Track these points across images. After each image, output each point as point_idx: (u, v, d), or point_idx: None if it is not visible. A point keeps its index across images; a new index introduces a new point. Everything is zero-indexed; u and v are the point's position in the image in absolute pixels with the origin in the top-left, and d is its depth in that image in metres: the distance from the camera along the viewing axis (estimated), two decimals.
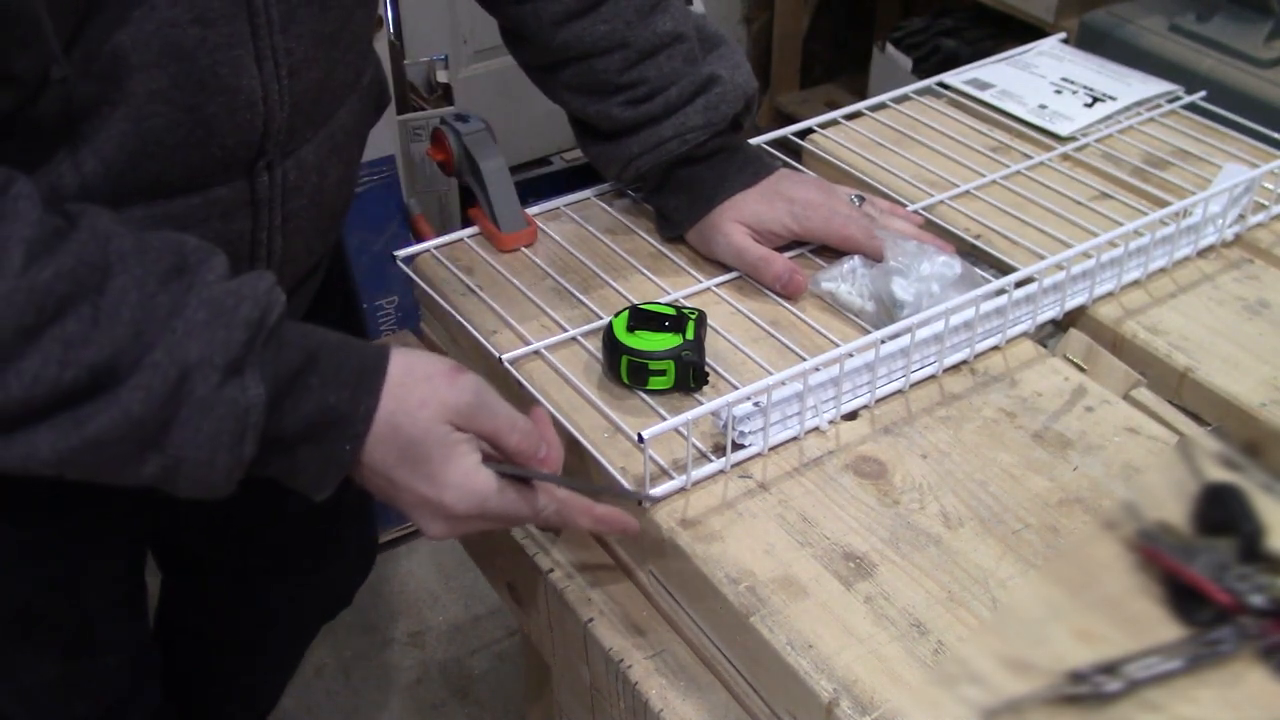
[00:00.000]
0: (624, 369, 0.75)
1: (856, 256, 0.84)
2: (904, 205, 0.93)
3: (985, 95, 1.08)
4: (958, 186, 0.96)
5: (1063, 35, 1.18)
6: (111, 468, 0.59)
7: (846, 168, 1.00)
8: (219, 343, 0.58)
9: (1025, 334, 0.81)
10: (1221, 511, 0.67)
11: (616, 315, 0.77)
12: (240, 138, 0.66)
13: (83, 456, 0.57)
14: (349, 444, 0.62)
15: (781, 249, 0.88)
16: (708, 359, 0.77)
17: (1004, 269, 0.86)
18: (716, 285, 0.86)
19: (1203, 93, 1.06)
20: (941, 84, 1.11)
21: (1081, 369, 0.79)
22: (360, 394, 0.62)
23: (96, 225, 0.57)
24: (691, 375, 0.75)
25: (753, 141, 0.98)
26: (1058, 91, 1.07)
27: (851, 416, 0.75)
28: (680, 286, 0.86)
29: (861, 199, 0.90)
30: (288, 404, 0.61)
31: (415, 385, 0.63)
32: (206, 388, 0.57)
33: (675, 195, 0.89)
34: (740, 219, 0.87)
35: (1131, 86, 1.07)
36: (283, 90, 0.67)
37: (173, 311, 0.57)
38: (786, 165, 0.95)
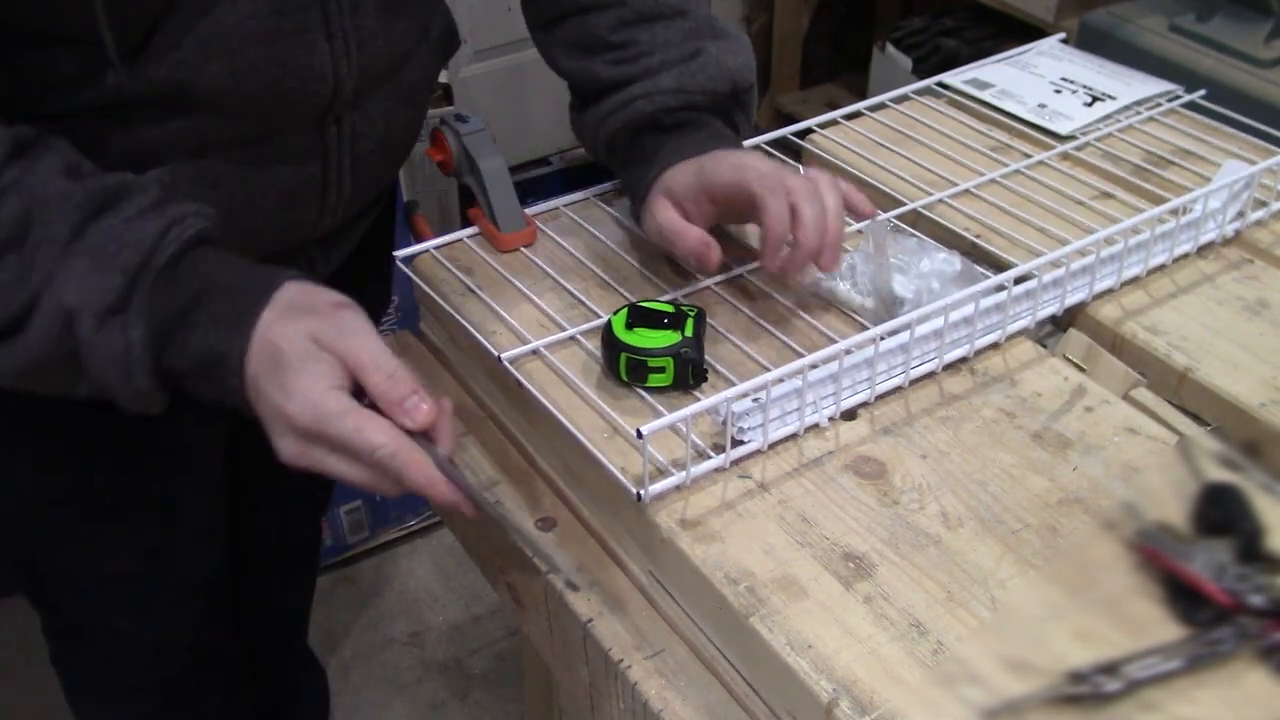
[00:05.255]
0: (623, 366, 0.75)
1: (856, 253, 0.84)
2: (903, 204, 0.93)
3: (985, 95, 1.08)
4: (957, 186, 0.96)
5: (1062, 35, 1.18)
6: (57, 387, 0.67)
7: (846, 167, 0.99)
8: (94, 289, 0.63)
9: (1025, 332, 0.81)
10: (1221, 511, 0.67)
11: (615, 313, 0.77)
12: (309, 103, 0.74)
13: (22, 379, 0.66)
14: (234, 378, 0.65)
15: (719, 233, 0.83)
16: (707, 356, 0.76)
17: (1004, 268, 0.85)
18: (716, 284, 0.86)
19: (1202, 91, 1.06)
20: (941, 84, 1.11)
21: (1081, 369, 0.79)
22: (234, 335, 0.65)
23: (31, 181, 0.63)
24: (690, 372, 0.74)
25: (752, 141, 0.98)
26: (1057, 91, 1.07)
27: (851, 416, 0.75)
28: (679, 284, 0.86)
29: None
30: (176, 340, 0.65)
31: (298, 310, 0.65)
32: (85, 331, 0.63)
33: (634, 168, 0.86)
34: (666, 190, 0.82)
35: (1131, 86, 1.07)
36: (351, 63, 0.75)
37: (66, 260, 0.63)
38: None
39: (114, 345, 0.63)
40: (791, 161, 0.97)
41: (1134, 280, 0.85)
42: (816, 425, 0.73)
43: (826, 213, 0.76)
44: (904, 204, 0.93)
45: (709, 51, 0.84)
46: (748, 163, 0.79)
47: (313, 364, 0.63)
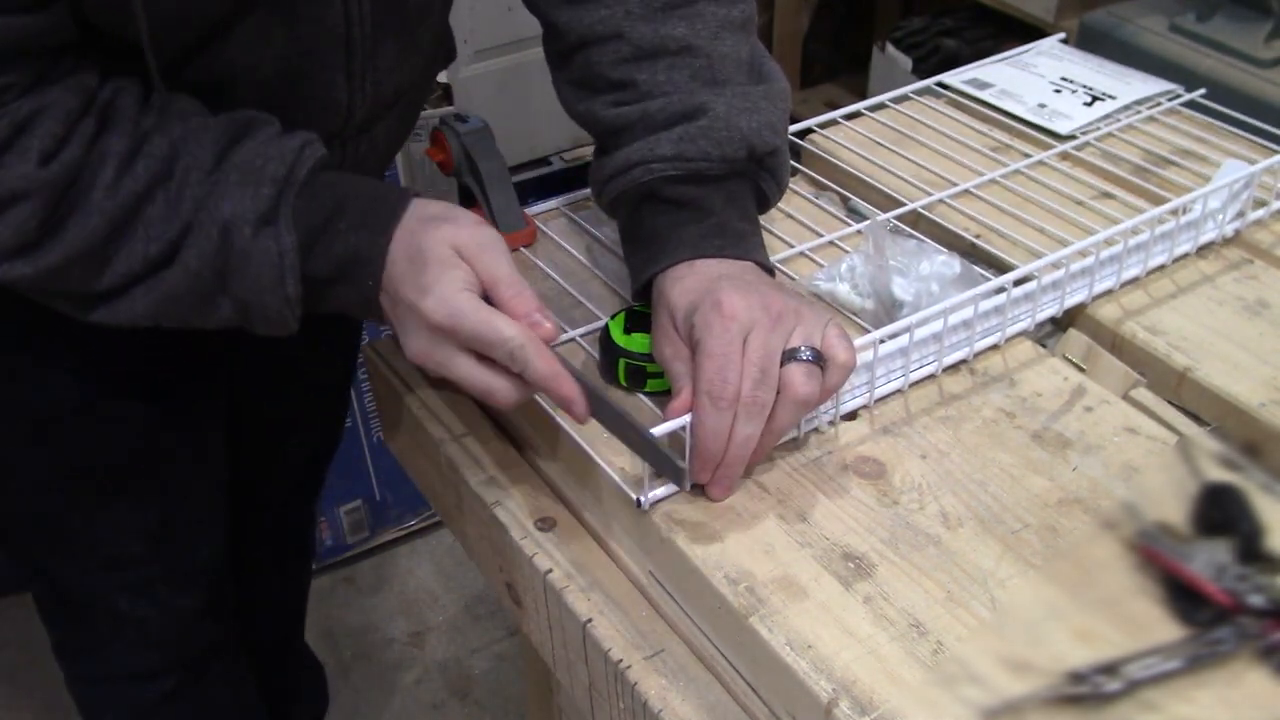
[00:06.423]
0: (621, 372, 0.75)
1: (855, 254, 0.84)
2: (903, 204, 0.93)
3: (985, 95, 1.08)
4: (957, 186, 0.96)
5: (1062, 35, 1.18)
6: (196, 313, 0.70)
7: (846, 167, 1.00)
8: (248, 199, 0.66)
9: (1025, 333, 0.81)
10: (1221, 511, 0.67)
11: (613, 317, 0.77)
12: (320, 130, 0.74)
13: (168, 307, 0.69)
14: (371, 280, 0.69)
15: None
16: None
17: (1004, 268, 0.86)
18: None
19: (1202, 90, 1.06)
20: (941, 84, 1.11)
21: (1081, 369, 0.79)
22: (376, 239, 0.68)
23: (169, 126, 0.67)
24: None
25: None
26: (1057, 91, 1.07)
27: (851, 416, 0.75)
28: None
29: (816, 355, 0.67)
30: (320, 247, 0.68)
31: (439, 219, 0.69)
32: (243, 239, 0.66)
33: (630, 251, 0.79)
34: (670, 313, 0.72)
35: (1131, 85, 1.07)
36: (365, 98, 0.77)
37: (218, 181, 0.67)
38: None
39: (269, 252, 0.67)
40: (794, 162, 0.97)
41: (1133, 281, 0.85)
42: (816, 428, 0.73)
43: (769, 432, 0.68)
44: (904, 204, 0.93)
45: (715, 109, 0.74)
46: (717, 318, 0.67)
47: (451, 269, 0.66)
